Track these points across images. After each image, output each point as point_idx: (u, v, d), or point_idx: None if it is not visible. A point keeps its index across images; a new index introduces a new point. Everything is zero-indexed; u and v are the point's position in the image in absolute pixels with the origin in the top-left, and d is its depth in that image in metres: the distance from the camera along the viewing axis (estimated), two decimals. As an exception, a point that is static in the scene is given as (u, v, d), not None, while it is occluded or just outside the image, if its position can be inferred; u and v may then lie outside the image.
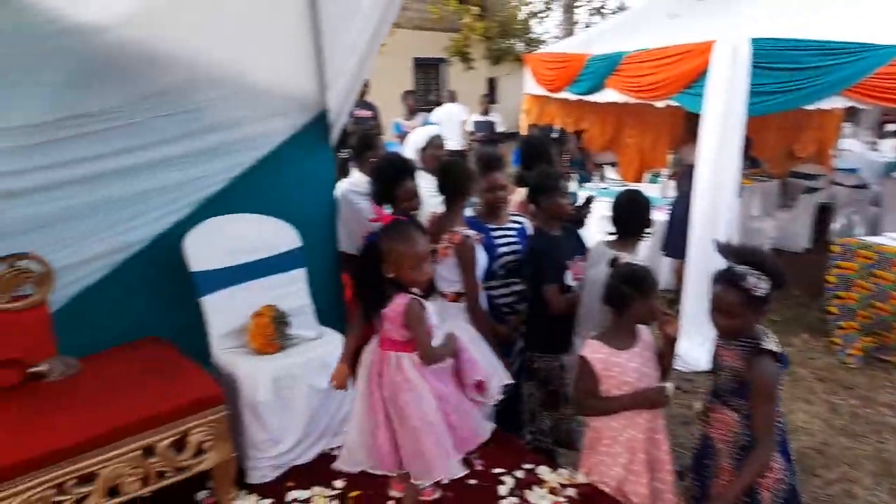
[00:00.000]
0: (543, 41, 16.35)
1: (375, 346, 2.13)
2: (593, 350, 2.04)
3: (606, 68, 5.28)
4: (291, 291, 2.93)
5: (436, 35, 15.15)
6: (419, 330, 2.01)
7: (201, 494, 2.50)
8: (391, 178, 2.77)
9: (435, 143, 3.88)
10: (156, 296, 2.84)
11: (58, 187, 2.50)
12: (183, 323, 2.88)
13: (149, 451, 2.19)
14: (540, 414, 2.88)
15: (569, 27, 13.27)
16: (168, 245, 2.79)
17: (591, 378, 2.04)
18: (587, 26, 13.98)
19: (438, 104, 16.10)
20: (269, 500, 2.49)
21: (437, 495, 2.47)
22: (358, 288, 2.27)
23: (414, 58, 15.39)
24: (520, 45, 16.23)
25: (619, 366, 2.01)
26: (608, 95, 5.46)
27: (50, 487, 2.00)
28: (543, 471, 2.63)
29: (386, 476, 2.22)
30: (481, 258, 2.75)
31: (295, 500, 2.49)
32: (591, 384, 2.05)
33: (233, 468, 2.45)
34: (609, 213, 2.71)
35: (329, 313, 3.25)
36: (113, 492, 2.14)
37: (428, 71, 16.47)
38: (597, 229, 4.54)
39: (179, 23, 2.60)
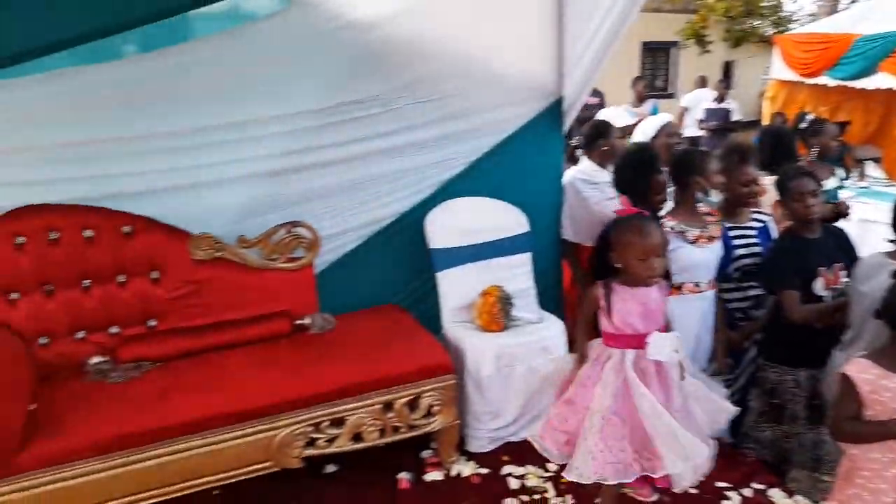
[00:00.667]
0: (796, 20, 14.58)
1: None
2: (860, 369, 1.80)
3: (881, 50, 4.59)
4: (517, 274, 3.03)
5: (666, 18, 14.31)
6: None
7: (425, 453, 2.72)
8: (645, 170, 2.69)
9: (666, 131, 3.70)
10: (397, 267, 3.13)
11: (329, 165, 2.87)
12: (418, 294, 3.14)
13: (388, 406, 2.44)
14: (759, 424, 2.64)
15: (830, 4, 11.65)
16: (412, 221, 3.05)
17: (854, 400, 1.81)
18: (853, 2, 12.16)
19: (665, 91, 15.33)
20: (486, 470, 2.62)
21: (653, 498, 2.40)
22: (594, 274, 2.26)
23: (642, 42, 14.72)
24: (766, 26, 14.67)
25: (891, 391, 1.76)
26: (879, 81, 4.74)
27: (310, 425, 2.33)
28: (776, 494, 2.42)
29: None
30: (697, 255, 2.59)
31: (510, 474, 2.59)
32: (852, 406, 1.82)
33: (456, 434, 2.63)
34: (889, 216, 2.34)
35: (548, 298, 3.31)
36: (356, 437, 2.42)
37: (656, 55, 15.66)
38: (857, 234, 3.98)
39: (435, 17, 2.80)
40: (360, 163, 2.95)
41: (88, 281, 2.49)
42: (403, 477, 2.57)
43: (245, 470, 2.27)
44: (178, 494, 2.19)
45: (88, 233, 2.45)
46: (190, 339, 2.54)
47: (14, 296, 2.38)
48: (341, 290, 2.96)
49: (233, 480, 2.27)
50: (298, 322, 2.75)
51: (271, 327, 2.67)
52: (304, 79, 2.71)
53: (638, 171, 2.73)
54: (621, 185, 2.82)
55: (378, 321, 2.84)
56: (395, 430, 2.48)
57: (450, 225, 2.97)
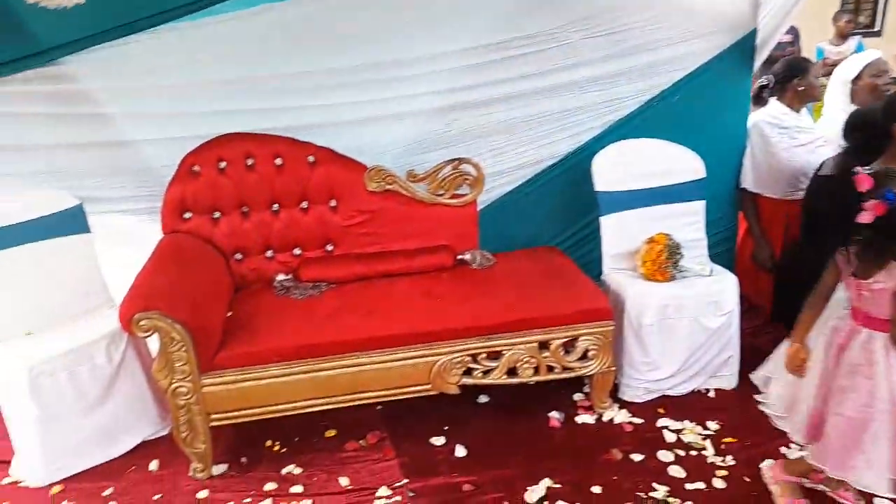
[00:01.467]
0: None
1: (847, 315, 1.89)
2: None
3: None
4: (687, 223, 2.85)
5: (882, -61, 12.26)
6: None
7: (577, 396, 2.72)
8: (886, 121, 2.35)
9: (872, 70, 3.21)
10: (559, 208, 3.08)
11: (497, 102, 2.86)
12: (579, 237, 3.09)
13: (544, 345, 2.45)
14: None
15: None
16: (577, 162, 2.96)
17: None
18: None
19: (871, 27, 13.27)
20: (640, 420, 2.57)
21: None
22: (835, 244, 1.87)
23: (847, -31, 12.81)
24: None
25: None
26: None
27: (468, 355, 2.41)
28: None
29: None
30: None
31: (665, 427, 2.52)
32: None
33: (610, 380, 2.59)
34: None
35: (721, 251, 3.10)
36: (511, 372, 2.47)
37: (863, -16, 13.56)
38: None
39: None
40: (528, 100, 2.90)
41: (277, 205, 2.72)
42: (554, 416, 2.60)
43: (406, 390, 2.41)
44: (346, 405, 2.39)
45: (279, 161, 2.67)
46: (362, 265, 2.72)
47: (216, 215, 2.68)
48: (501, 228, 2.99)
49: (394, 398, 2.43)
50: (460, 257, 2.83)
51: (435, 260, 2.77)
52: (475, 14, 2.70)
53: (877, 121, 2.39)
54: (852, 134, 2.49)
55: (537, 262, 2.84)
56: (550, 369, 2.49)
57: (619, 167, 2.84)
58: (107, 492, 2.26)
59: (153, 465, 2.38)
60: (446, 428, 2.55)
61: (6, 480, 2.33)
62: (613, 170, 2.83)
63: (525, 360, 2.46)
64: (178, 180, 2.59)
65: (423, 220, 2.83)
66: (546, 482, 2.23)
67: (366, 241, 2.80)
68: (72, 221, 2.48)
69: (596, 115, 2.96)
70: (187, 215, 2.63)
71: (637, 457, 2.36)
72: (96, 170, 2.62)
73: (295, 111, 2.73)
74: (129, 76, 2.49)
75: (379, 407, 2.65)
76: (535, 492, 2.19)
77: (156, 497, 2.23)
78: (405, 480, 2.28)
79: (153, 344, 2.39)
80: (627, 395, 2.69)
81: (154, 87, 2.55)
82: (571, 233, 3.14)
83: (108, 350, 2.33)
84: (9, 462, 2.37)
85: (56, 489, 2.27)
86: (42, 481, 2.28)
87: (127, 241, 2.74)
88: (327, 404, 2.37)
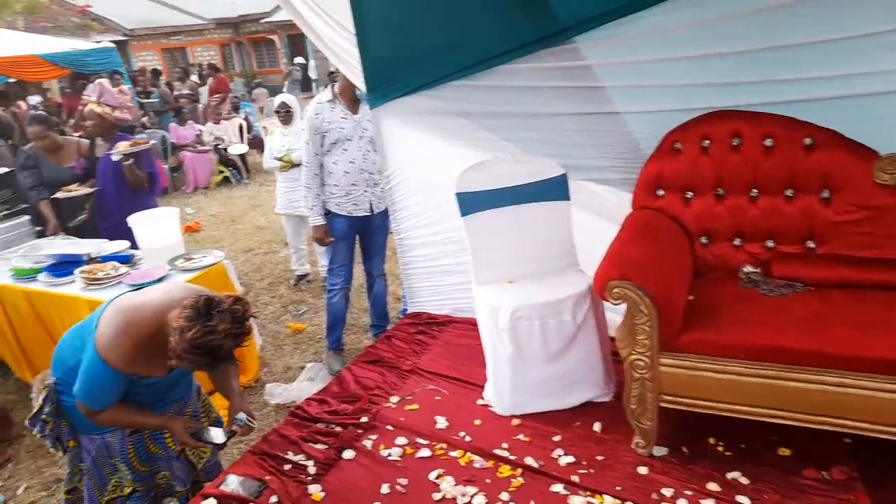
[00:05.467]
0: None
1: None
2: None
3: None
4: None
5: None
6: None
7: None
8: None
9: None
10: None
11: None
12: None
13: None
14: None
15: None
16: None
17: None
18: None
19: None
20: None
21: None
22: None
23: None
24: None
25: None
26: None
27: None
28: None
29: None
30: None
31: None
32: None
33: None
34: None
35: None
36: None
37: None
38: None
39: None
40: None
41: (756, 190, 2.50)
42: None
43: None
44: (807, 425, 2.08)
45: (768, 142, 2.44)
46: (852, 270, 2.30)
47: (689, 195, 2.60)
48: None
49: (873, 436, 2.01)
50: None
51: (958, 278, 2.18)
52: None
53: None
54: None
55: None
56: None
57: None
58: (555, 438, 2.45)
59: (596, 427, 2.48)
60: (946, 490, 2.02)
61: (479, 402, 2.74)
62: None
63: None
64: (657, 157, 2.59)
65: (949, 225, 2.24)
66: None
67: (861, 242, 2.36)
68: (556, 188, 2.71)
69: None
70: (660, 192, 2.62)
71: None
72: (582, 140, 2.81)
73: (793, 84, 2.44)
74: (629, 51, 2.56)
75: (848, 440, 2.24)
76: None
77: (599, 457, 2.32)
78: (884, 537, 1.88)
79: (611, 313, 2.47)
80: None
81: (651, 61, 2.57)
82: None
83: (574, 309, 2.49)
84: (482, 387, 2.78)
85: (516, 421, 2.57)
86: (506, 410, 2.61)
87: (593, 209, 2.89)
88: (789, 419, 2.10)
